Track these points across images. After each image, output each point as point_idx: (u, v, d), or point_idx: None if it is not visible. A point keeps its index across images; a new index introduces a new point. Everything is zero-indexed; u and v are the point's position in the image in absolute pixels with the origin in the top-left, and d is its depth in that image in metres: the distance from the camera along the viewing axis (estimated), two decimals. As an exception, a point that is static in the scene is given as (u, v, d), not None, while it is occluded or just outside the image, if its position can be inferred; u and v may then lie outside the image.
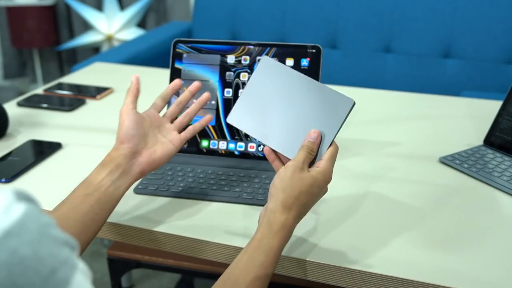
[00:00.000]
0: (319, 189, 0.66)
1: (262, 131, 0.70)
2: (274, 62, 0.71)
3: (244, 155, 0.93)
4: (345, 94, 0.67)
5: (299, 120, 0.69)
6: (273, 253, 0.61)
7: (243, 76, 0.95)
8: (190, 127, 0.80)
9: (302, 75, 0.70)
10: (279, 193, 0.64)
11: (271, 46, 0.94)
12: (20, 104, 1.22)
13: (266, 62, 0.72)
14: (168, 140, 0.77)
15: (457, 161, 0.93)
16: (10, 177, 0.88)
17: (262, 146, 0.93)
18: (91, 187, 0.69)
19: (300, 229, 0.74)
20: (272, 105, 0.71)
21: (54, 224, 0.38)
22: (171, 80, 0.97)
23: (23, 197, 0.38)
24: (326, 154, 0.67)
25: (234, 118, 0.72)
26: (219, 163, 0.92)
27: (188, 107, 0.82)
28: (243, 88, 0.94)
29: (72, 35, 3.16)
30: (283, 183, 0.64)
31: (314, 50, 0.92)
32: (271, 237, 0.62)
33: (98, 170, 0.70)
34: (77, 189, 0.70)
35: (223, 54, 0.95)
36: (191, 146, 0.95)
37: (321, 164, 0.66)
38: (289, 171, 0.64)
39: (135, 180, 0.72)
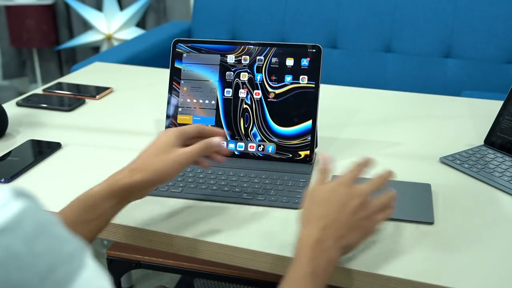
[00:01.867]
0: (332, 192, 0.66)
1: None
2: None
3: (244, 155, 0.93)
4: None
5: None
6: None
7: (243, 76, 0.94)
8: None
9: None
10: (301, 217, 0.66)
11: (271, 46, 0.94)
12: (19, 104, 1.22)
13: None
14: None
15: (458, 161, 0.93)
16: (10, 177, 0.88)
17: (262, 146, 0.93)
18: (94, 213, 0.66)
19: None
20: None
21: (56, 222, 0.38)
22: (171, 80, 0.97)
23: (22, 194, 0.37)
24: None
25: None
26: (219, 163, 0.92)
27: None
28: (242, 88, 0.94)
29: (71, 35, 3.15)
30: (304, 209, 0.66)
31: (314, 50, 0.92)
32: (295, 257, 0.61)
33: (108, 197, 0.66)
34: (78, 207, 0.66)
35: (223, 54, 0.95)
36: (191, 146, 0.95)
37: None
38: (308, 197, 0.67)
39: None
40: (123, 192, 0.67)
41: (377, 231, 0.68)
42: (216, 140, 0.73)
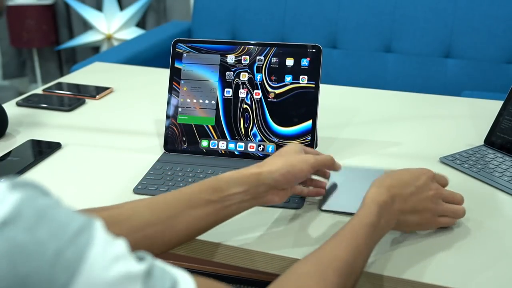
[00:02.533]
0: (412, 175, 0.69)
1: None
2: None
3: (244, 155, 0.93)
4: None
5: None
6: (375, 204, 0.63)
7: (243, 76, 0.94)
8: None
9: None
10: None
11: (271, 46, 0.94)
12: (19, 104, 1.22)
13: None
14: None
15: (458, 161, 0.93)
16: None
17: (262, 146, 0.93)
18: (218, 194, 0.64)
19: (298, 229, 0.74)
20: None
21: (57, 205, 0.37)
22: (171, 80, 0.97)
23: (18, 185, 0.37)
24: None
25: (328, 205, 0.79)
26: (219, 163, 0.92)
27: None
28: (242, 88, 0.94)
29: (71, 35, 3.15)
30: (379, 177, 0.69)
31: (314, 50, 0.92)
32: (365, 207, 0.64)
33: (236, 181, 0.65)
34: (202, 184, 0.65)
35: (223, 54, 0.95)
36: (191, 146, 0.95)
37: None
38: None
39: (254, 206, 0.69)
40: (252, 181, 0.66)
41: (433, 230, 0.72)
42: (339, 165, 0.77)
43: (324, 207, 0.78)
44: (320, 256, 0.58)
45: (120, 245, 0.38)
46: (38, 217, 0.35)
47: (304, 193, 0.77)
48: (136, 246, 0.49)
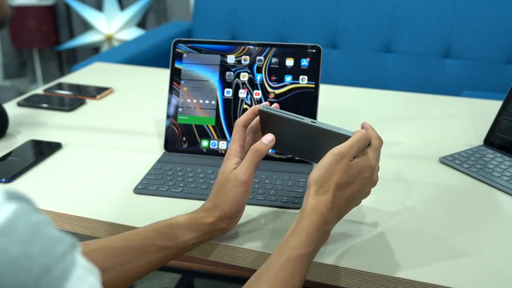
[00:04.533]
0: (357, 176, 0.63)
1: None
2: (270, 112, 0.70)
3: (244, 155, 0.93)
4: (343, 129, 0.66)
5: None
6: (305, 234, 0.60)
7: (243, 76, 0.95)
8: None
9: (298, 119, 0.68)
10: (310, 181, 0.63)
11: (271, 46, 0.94)
12: (20, 104, 1.22)
13: (263, 112, 0.70)
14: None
15: (457, 161, 0.93)
16: (10, 177, 0.88)
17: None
18: (172, 242, 0.66)
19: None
20: (292, 141, 0.72)
21: (48, 223, 0.37)
22: (171, 80, 0.97)
23: (14, 196, 0.37)
24: (369, 146, 0.65)
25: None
26: (219, 163, 0.92)
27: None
28: (242, 88, 0.95)
29: (72, 35, 3.16)
30: (316, 171, 0.63)
31: (314, 50, 0.92)
32: (301, 220, 0.61)
33: (189, 230, 0.66)
34: (156, 231, 0.66)
35: (223, 54, 0.95)
36: (191, 146, 0.95)
37: (362, 153, 0.64)
38: (326, 159, 0.63)
39: None
40: (205, 229, 0.67)
41: None
42: (263, 145, 0.69)
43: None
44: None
45: (95, 275, 0.38)
46: (32, 233, 0.35)
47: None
48: None
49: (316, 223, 0.61)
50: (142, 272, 0.66)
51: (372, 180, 0.66)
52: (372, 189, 0.68)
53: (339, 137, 0.65)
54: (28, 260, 0.34)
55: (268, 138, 0.69)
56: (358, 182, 0.63)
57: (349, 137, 0.65)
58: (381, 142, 0.67)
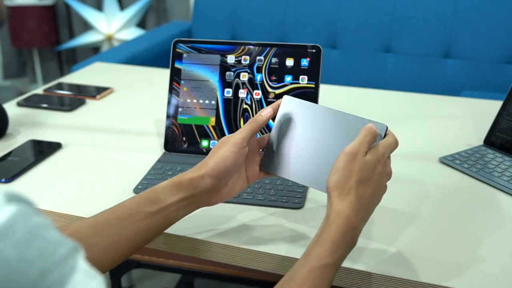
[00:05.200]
0: (373, 171, 0.61)
1: (293, 171, 0.70)
2: (296, 100, 0.71)
3: (244, 155, 0.93)
4: (378, 121, 0.67)
5: (330, 153, 0.67)
6: (330, 242, 0.57)
7: (243, 76, 0.95)
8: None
9: (326, 108, 0.70)
10: (330, 186, 0.61)
11: (271, 46, 0.94)
12: (20, 104, 1.22)
13: (287, 101, 0.71)
14: (246, 175, 0.71)
15: (457, 161, 0.93)
16: (10, 177, 0.88)
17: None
18: (157, 206, 0.65)
19: (298, 229, 0.74)
20: (299, 144, 0.70)
21: (49, 226, 0.37)
22: (171, 80, 0.97)
23: (14, 198, 0.37)
24: (381, 141, 0.65)
25: (266, 165, 0.72)
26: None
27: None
28: (242, 88, 0.95)
29: (72, 35, 3.16)
30: (333, 175, 0.61)
31: (314, 50, 0.92)
32: (327, 227, 0.58)
33: (171, 190, 0.66)
34: (140, 198, 0.66)
35: (223, 54, 0.95)
36: (191, 146, 0.95)
37: (371, 149, 0.63)
38: (339, 161, 0.61)
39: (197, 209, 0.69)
40: (187, 186, 0.66)
41: None
42: (260, 116, 0.70)
43: (261, 167, 0.72)
44: None
45: (98, 281, 0.38)
46: (30, 236, 0.35)
47: (261, 176, 0.73)
48: None
49: (343, 229, 0.58)
50: (132, 244, 0.65)
51: (386, 172, 0.65)
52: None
53: (363, 123, 0.67)
54: (24, 263, 0.34)
55: (266, 110, 0.70)
56: (374, 178, 0.62)
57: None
58: (393, 139, 0.67)
